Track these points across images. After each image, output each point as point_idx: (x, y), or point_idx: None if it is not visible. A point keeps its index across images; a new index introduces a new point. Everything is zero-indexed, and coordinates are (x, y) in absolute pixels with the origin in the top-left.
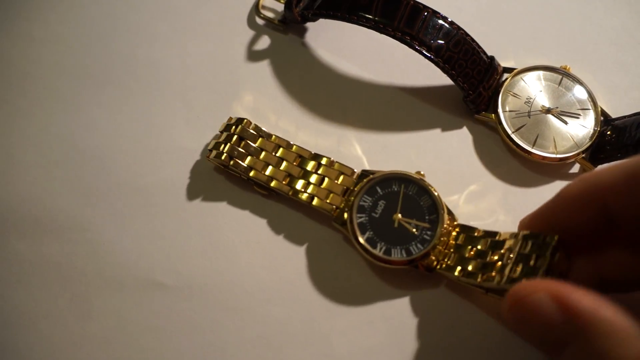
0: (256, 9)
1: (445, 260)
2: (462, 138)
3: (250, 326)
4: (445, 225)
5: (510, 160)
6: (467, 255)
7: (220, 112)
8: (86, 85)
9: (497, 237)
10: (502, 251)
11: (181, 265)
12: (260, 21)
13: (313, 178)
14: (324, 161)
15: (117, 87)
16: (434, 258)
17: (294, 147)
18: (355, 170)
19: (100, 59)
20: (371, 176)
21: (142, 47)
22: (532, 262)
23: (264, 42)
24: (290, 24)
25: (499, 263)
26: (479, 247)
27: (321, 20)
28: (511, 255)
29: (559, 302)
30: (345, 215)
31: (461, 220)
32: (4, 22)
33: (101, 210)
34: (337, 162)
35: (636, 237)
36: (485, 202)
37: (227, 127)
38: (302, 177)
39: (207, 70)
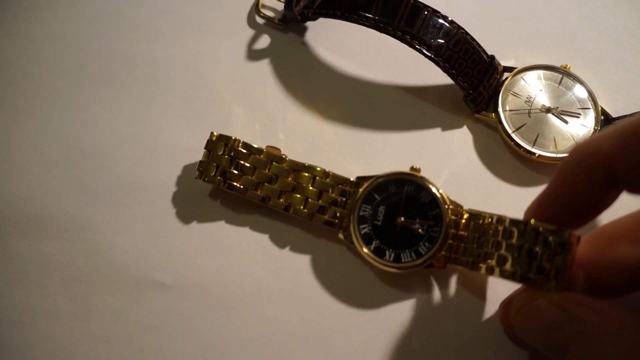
0: (256, 8)
1: (460, 254)
2: (462, 137)
3: (250, 326)
4: (450, 217)
5: (511, 160)
6: (484, 248)
7: (220, 110)
8: (85, 84)
9: (509, 225)
10: (516, 242)
11: (181, 264)
12: (260, 20)
13: (309, 192)
14: (318, 172)
15: (116, 86)
16: (446, 254)
17: (287, 160)
18: (351, 178)
19: (100, 58)
20: (365, 184)
21: (141, 45)
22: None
23: (264, 41)
24: (290, 23)
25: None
26: (493, 237)
27: (321, 19)
28: (537, 249)
29: (558, 306)
30: (351, 227)
31: None
32: (2, 21)
33: (101, 210)
34: (331, 172)
35: None
36: (485, 202)
37: (212, 145)
38: (298, 192)
39: (206, 69)
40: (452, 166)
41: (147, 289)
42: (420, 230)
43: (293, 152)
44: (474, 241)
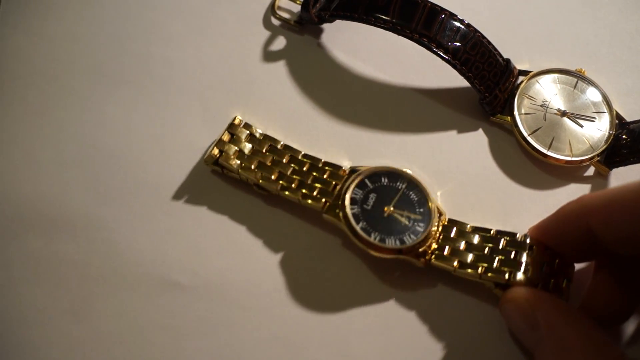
0: (272, 10)
1: (439, 252)
2: (477, 140)
3: (266, 326)
4: (436, 218)
5: (526, 163)
6: (461, 247)
7: (236, 111)
8: (102, 83)
9: (490, 233)
10: (499, 247)
11: (197, 264)
12: (275, 21)
13: (303, 176)
14: (313, 160)
15: (133, 86)
16: (427, 249)
17: (285, 146)
18: (343, 167)
19: (116, 58)
20: (360, 170)
21: (158, 45)
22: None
23: (280, 43)
24: (305, 25)
25: (498, 257)
26: (473, 241)
27: (337, 21)
28: (511, 252)
29: (535, 309)
30: (337, 209)
31: (477, 221)
32: (20, 20)
33: (117, 209)
34: (326, 160)
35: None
36: (500, 205)
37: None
38: (292, 174)
39: (223, 69)
40: (468, 169)
41: (164, 289)
42: (406, 222)
43: (309, 152)
44: (459, 243)
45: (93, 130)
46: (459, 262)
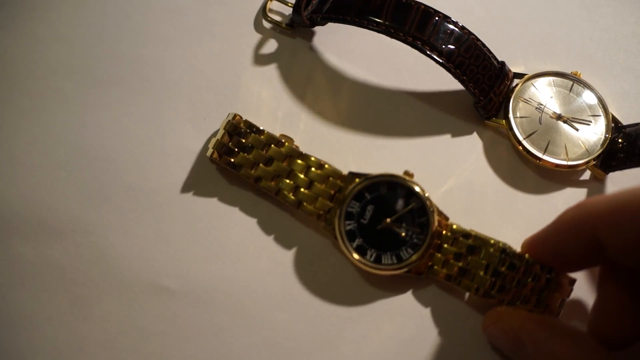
0: (263, 12)
1: (438, 264)
2: (472, 144)
3: (256, 332)
4: (437, 228)
5: (521, 167)
6: (460, 263)
7: (226, 114)
8: (90, 86)
9: (491, 248)
10: (496, 262)
11: (187, 269)
12: (267, 24)
13: (301, 180)
14: (312, 162)
15: (121, 88)
16: (425, 262)
17: (285, 145)
18: (343, 172)
19: (105, 60)
20: (357, 180)
21: (147, 47)
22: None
23: (271, 46)
24: (297, 28)
25: (494, 278)
26: (473, 254)
27: (329, 24)
28: (507, 275)
29: (517, 329)
30: (333, 222)
31: (472, 227)
32: (7, 22)
33: (106, 213)
34: (326, 163)
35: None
36: (495, 209)
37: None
38: (290, 178)
39: (213, 72)
40: (462, 172)
41: (152, 294)
42: (403, 234)
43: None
44: (460, 257)
45: (80, 132)
46: (456, 276)
